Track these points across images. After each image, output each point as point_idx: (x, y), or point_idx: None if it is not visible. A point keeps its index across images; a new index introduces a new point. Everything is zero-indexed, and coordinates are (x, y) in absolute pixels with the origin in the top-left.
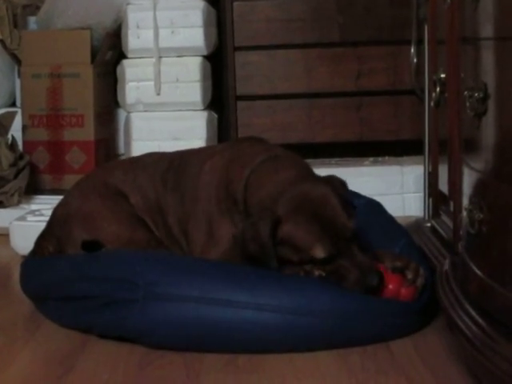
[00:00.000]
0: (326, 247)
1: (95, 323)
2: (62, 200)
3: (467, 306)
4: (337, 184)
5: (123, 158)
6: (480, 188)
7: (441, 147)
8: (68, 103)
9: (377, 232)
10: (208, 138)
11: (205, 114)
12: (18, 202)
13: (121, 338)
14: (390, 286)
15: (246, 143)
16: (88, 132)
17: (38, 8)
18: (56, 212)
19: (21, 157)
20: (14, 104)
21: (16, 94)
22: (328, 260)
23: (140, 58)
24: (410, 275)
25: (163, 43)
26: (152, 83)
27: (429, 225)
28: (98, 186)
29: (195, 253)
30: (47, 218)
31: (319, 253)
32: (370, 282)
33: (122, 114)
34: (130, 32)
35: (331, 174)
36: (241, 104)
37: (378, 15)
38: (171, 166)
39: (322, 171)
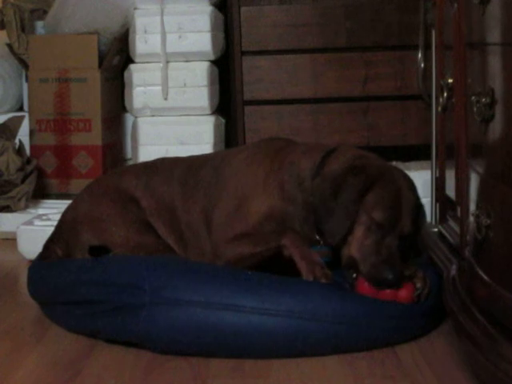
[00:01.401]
0: (384, 215)
1: (102, 328)
2: (72, 203)
3: (474, 311)
4: None
5: (130, 162)
6: (487, 193)
7: (448, 152)
8: (75, 108)
9: None
10: (215, 143)
11: (212, 118)
12: (26, 207)
13: (127, 343)
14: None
15: (275, 140)
16: (95, 136)
17: (45, 12)
18: (65, 215)
19: (28, 161)
20: (21, 108)
21: (23, 99)
22: (385, 229)
23: (147, 62)
24: (418, 284)
25: (170, 48)
26: (159, 88)
27: (436, 230)
28: (108, 190)
29: (218, 232)
30: (54, 223)
31: (377, 216)
32: (385, 274)
33: (129, 119)
34: (137, 37)
35: None
36: (248, 109)
37: (386, 20)
38: (191, 168)
39: None
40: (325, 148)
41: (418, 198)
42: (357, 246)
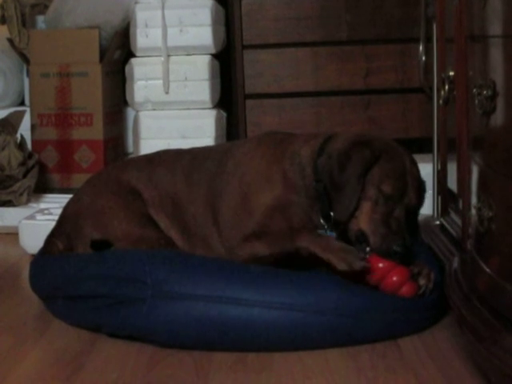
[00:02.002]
0: (392, 186)
1: (104, 322)
2: (74, 197)
3: (476, 304)
4: None
5: (132, 156)
6: (489, 186)
7: (449, 145)
8: (76, 102)
9: None
10: (217, 137)
11: (213, 112)
12: (27, 201)
13: (130, 337)
14: (395, 279)
15: (277, 133)
16: (97, 131)
17: (46, 7)
18: (67, 209)
19: (30, 156)
20: (22, 103)
21: (25, 93)
22: (393, 201)
23: (148, 56)
24: (422, 281)
25: (171, 42)
26: (160, 82)
27: (438, 223)
28: (110, 183)
29: (228, 230)
30: (56, 217)
31: (409, 200)
32: (395, 246)
33: (130, 113)
34: (138, 31)
35: None
36: (249, 102)
37: (387, 13)
38: (195, 160)
39: None
40: (324, 135)
41: (419, 172)
42: (366, 219)
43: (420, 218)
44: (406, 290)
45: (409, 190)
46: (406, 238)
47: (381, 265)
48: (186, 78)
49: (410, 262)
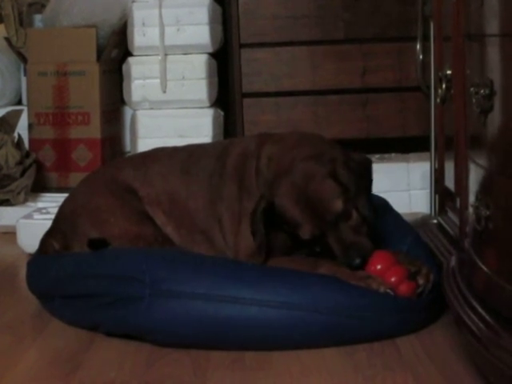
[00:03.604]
0: (308, 230)
1: (102, 321)
2: (69, 196)
3: (473, 303)
4: (348, 163)
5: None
6: (486, 185)
7: (447, 144)
8: (74, 101)
9: (383, 229)
10: (214, 136)
11: (211, 111)
12: (25, 201)
13: (128, 336)
14: (393, 279)
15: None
16: (94, 130)
17: (43, 6)
18: (63, 207)
19: (27, 155)
20: (20, 102)
21: (22, 92)
22: (314, 240)
23: (146, 55)
24: (421, 281)
25: (169, 41)
26: (158, 81)
27: (435, 221)
28: (106, 181)
29: (231, 239)
30: (54, 216)
31: (303, 235)
32: (351, 261)
33: (128, 112)
34: (135, 30)
35: (361, 154)
36: (247, 101)
37: (384, 12)
38: (192, 156)
39: None
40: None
41: (335, 176)
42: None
43: (418, 216)
44: (403, 289)
45: (304, 223)
46: (362, 248)
47: (379, 267)
48: (183, 77)
49: (378, 246)
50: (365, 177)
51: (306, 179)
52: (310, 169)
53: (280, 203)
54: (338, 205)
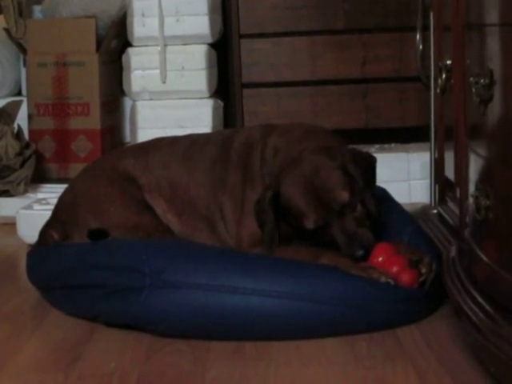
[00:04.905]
0: (312, 219)
1: (102, 312)
2: (69, 185)
3: (474, 292)
4: (355, 158)
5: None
6: (486, 174)
7: (447, 134)
8: (73, 92)
9: (384, 219)
10: (214, 126)
11: (210, 101)
12: (25, 191)
13: (128, 327)
14: (394, 269)
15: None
16: (94, 120)
17: None
18: (63, 197)
19: (27, 146)
20: (19, 93)
21: (22, 83)
22: (318, 230)
23: (145, 46)
24: (423, 269)
25: (168, 31)
26: (157, 71)
27: (435, 211)
28: (106, 170)
29: (234, 228)
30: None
31: (307, 224)
32: (354, 251)
33: (127, 103)
34: (135, 20)
35: (364, 150)
36: (246, 92)
37: (384, 2)
38: (194, 144)
39: None
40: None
41: (342, 168)
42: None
43: (418, 206)
44: (405, 277)
45: (309, 213)
46: (361, 240)
47: (381, 259)
48: (182, 68)
49: (379, 238)
50: (370, 173)
51: (315, 170)
52: (320, 161)
53: (286, 192)
54: (345, 195)
